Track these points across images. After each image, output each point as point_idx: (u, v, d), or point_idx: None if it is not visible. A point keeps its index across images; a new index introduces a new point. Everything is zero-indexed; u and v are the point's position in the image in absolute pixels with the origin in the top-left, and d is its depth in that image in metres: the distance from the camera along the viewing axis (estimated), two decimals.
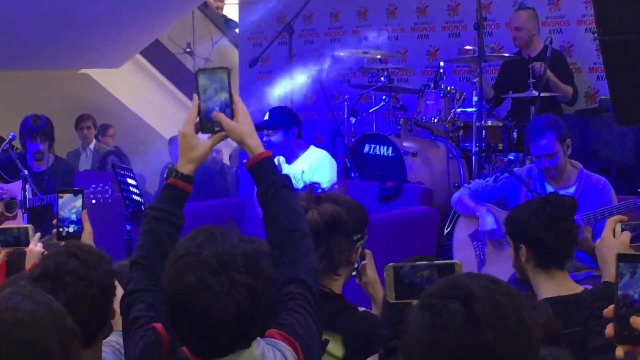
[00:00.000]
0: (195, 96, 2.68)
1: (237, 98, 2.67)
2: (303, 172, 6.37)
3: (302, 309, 2.58)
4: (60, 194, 3.40)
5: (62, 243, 3.25)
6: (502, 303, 1.77)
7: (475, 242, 5.81)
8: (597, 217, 5.17)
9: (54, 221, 3.42)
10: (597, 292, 2.95)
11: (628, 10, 3.82)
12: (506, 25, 7.92)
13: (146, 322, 2.54)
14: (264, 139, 6.41)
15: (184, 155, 2.71)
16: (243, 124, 2.67)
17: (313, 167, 6.46)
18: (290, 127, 6.50)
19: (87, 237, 3.35)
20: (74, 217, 3.35)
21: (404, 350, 1.78)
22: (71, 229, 3.36)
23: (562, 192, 5.27)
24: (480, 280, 1.83)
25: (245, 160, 2.74)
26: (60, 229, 3.37)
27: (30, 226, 3.82)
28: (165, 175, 2.74)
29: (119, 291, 2.79)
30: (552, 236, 3.49)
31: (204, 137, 2.72)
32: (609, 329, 1.89)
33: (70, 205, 3.37)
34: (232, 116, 2.66)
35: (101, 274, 2.67)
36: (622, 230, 3.03)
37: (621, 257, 1.88)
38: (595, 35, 3.89)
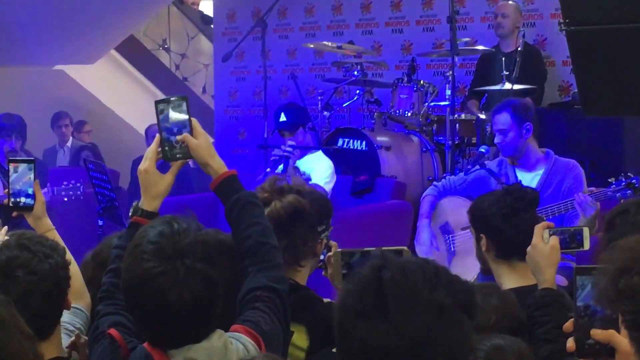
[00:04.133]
0: (157, 135, 2.73)
1: (196, 123, 2.73)
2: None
3: (269, 309, 2.61)
4: (11, 164, 3.31)
5: (15, 213, 3.20)
6: (415, 276, 1.78)
7: (445, 235, 5.82)
8: (567, 207, 5.16)
9: (5, 191, 3.35)
10: (538, 300, 2.97)
11: (593, 1, 3.83)
12: (492, 14, 7.92)
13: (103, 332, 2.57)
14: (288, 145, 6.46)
15: (148, 192, 2.73)
16: (205, 146, 2.72)
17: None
18: (307, 122, 6.65)
19: (40, 207, 3.22)
20: (30, 190, 3.27)
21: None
22: (23, 200, 3.28)
23: (531, 174, 5.40)
24: (408, 256, 1.87)
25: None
26: (13, 200, 3.29)
27: None
28: (130, 213, 2.75)
29: None
30: (512, 227, 3.46)
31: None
32: (570, 343, 1.89)
33: (26, 177, 3.29)
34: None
35: (53, 266, 2.61)
36: (550, 236, 3.04)
37: (578, 271, 1.91)
38: (562, 26, 3.89)
